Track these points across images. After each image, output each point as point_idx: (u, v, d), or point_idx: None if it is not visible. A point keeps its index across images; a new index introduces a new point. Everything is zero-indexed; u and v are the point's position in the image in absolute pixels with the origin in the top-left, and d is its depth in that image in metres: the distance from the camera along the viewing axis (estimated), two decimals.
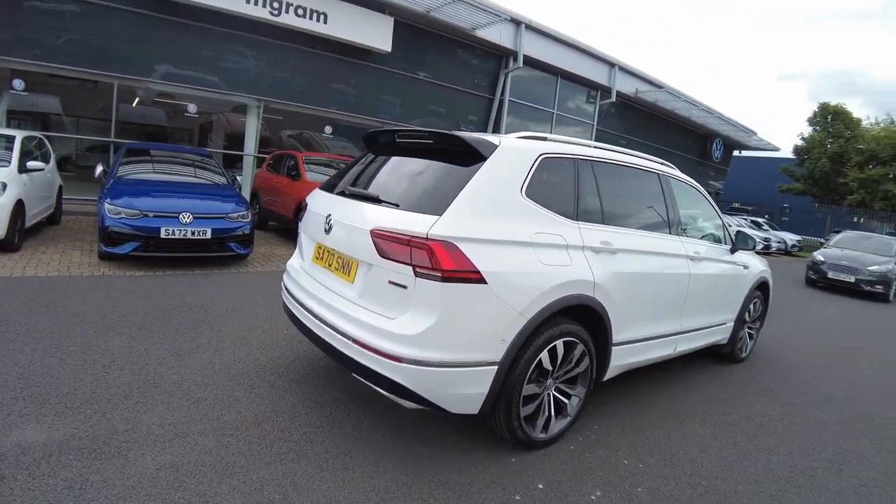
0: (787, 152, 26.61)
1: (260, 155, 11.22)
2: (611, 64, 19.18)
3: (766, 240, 18.14)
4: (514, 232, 2.46)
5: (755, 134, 26.46)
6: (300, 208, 7.57)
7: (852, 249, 10.61)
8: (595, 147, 3.17)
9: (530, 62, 15.93)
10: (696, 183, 4.00)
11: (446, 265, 2.19)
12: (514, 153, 2.59)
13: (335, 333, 2.49)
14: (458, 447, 2.68)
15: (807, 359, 5.15)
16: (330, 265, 2.78)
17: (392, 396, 2.34)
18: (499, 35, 14.79)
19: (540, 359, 2.56)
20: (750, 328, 4.70)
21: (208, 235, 5.58)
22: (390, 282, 2.32)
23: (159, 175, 6.23)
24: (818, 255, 10.64)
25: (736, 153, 28.70)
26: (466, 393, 2.36)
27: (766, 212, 24.54)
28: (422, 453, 2.58)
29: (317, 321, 2.66)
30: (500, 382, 2.41)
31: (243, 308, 4.58)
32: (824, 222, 23.13)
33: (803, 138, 25.50)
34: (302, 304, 2.84)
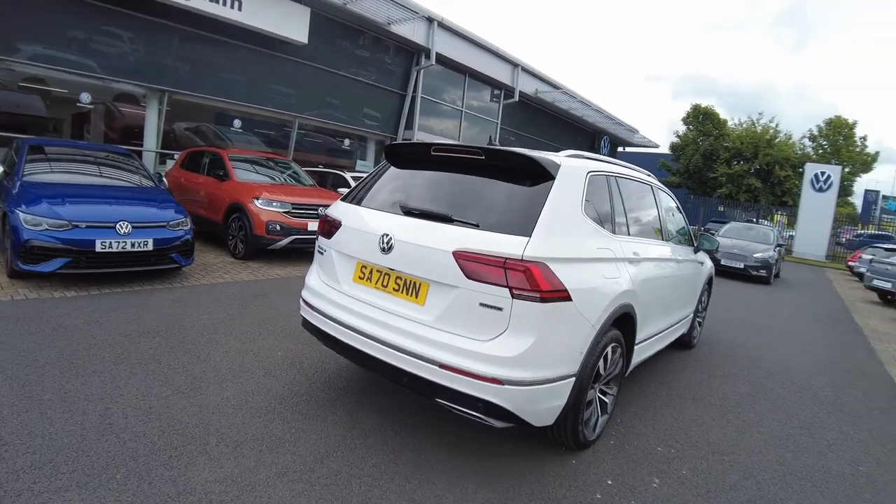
0: (665, 149, 30.03)
1: (163, 151, 10.01)
2: (514, 64, 20.09)
3: None
4: (583, 249, 2.56)
5: (637, 132, 29.44)
6: (234, 210, 7.08)
7: (739, 239, 12.31)
8: (609, 162, 3.38)
9: (441, 60, 16.12)
10: (668, 190, 4.43)
11: (544, 286, 2.23)
12: (573, 172, 2.67)
13: (412, 358, 2.39)
14: (519, 456, 2.73)
15: (738, 339, 5.97)
16: (384, 286, 2.64)
17: (484, 418, 2.32)
18: (412, 31, 14.76)
19: (598, 365, 2.71)
20: (699, 318, 5.33)
21: (150, 247, 4.89)
22: (481, 304, 2.28)
23: (76, 177, 5.27)
24: None
25: (620, 149, 31.73)
26: (551, 406, 2.42)
27: None
28: (494, 468, 2.59)
29: (377, 345, 2.52)
30: (575, 392, 2.51)
31: (216, 329, 4.13)
32: (698, 213, 26.68)
33: (678, 136, 28.91)
34: (349, 327, 2.66)
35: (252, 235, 6.87)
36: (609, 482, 2.61)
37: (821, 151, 25.47)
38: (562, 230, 2.45)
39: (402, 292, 2.57)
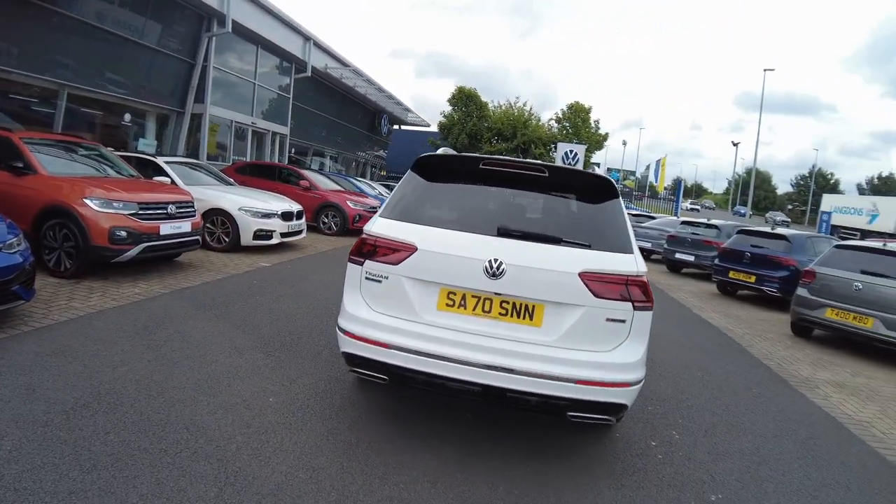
0: (434, 127, 31.99)
1: None
2: (306, 37, 19.10)
3: None
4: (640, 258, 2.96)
5: (411, 111, 31.00)
6: (51, 215, 5.23)
7: None
8: None
9: (234, 27, 14.29)
10: None
11: (651, 296, 2.58)
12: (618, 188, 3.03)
13: (543, 380, 2.43)
14: (583, 446, 3.04)
15: None
16: (486, 311, 2.56)
17: (609, 419, 2.56)
18: None
19: None
20: None
21: None
22: (608, 319, 2.48)
23: None
24: None
25: (396, 127, 32.97)
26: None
27: None
28: (585, 464, 2.84)
29: (496, 373, 2.46)
30: None
31: (160, 386, 3.18)
32: None
33: (445, 116, 30.78)
34: (452, 359, 2.49)
35: (88, 247, 5.24)
36: (653, 443, 3.16)
37: (565, 132, 30.62)
38: (636, 244, 2.80)
39: (511, 316, 2.55)
